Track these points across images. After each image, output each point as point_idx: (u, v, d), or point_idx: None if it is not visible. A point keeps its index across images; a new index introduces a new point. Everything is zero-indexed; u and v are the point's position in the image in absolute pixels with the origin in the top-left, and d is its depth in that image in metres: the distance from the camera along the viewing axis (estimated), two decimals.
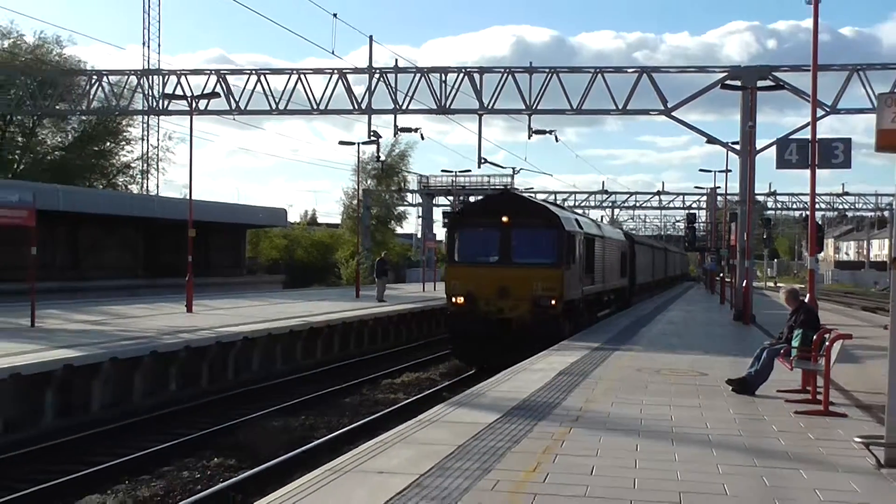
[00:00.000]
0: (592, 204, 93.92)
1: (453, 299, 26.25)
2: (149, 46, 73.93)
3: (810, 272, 22.28)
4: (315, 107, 38.85)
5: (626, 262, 43.01)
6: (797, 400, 14.47)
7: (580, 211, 66.41)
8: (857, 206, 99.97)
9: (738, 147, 36.20)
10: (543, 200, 34.86)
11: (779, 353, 15.21)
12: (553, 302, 25.48)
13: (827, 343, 13.74)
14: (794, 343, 14.77)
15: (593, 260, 31.06)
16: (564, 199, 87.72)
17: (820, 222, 27.58)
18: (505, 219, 25.82)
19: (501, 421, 12.32)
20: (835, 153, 21.22)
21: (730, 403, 14.41)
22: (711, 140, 40.31)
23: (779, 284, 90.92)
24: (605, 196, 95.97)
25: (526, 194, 40.97)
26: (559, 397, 14.47)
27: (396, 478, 9.06)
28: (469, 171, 77.23)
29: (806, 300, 16.74)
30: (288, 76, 39.36)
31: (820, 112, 31.59)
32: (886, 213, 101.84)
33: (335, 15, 36.40)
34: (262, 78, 39.11)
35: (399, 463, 9.76)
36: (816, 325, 14.97)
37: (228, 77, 39.72)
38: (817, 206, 25.52)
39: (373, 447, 10.62)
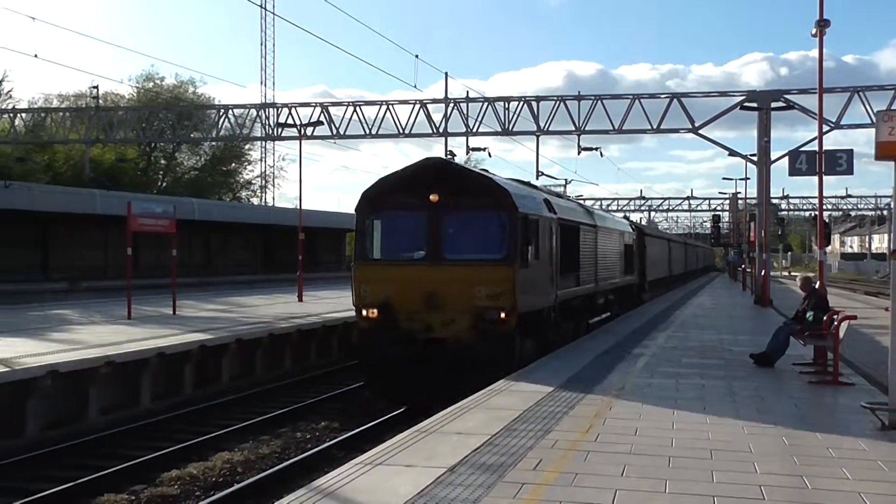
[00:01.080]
0: (632, 208, 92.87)
1: (364, 312, 15.52)
2: (265, 84, 74.98)
3: (820, 263, 21.88)
4: (401, 131, 38.92)
5: (634, 256, 31.17)
6: (810, 372, 14.15)
7: (620, 215, 64.17)
8: (859, 206, 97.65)
9: (755, 158, 35.51)
10: (485, 171, 19.16)
11: (794, 332, 15.02)
12: (502, 315, 14.84)
13: (836, 323, 13.48)
14: (808, 323, 14.59)
15: (577, 254, 20.25)
16: (608, 205, 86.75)
17: (827, 220, 26.94)
18: (434, 197, 15.28)
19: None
20: (839, 162, 20.92)
21: (752, 374, 14.14)
22: (733, 153, 39.70)
23: (793, 274, 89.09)
24: (642, 202, 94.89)
25: (470, 165, 22.85)
26: None
27: (472, 438, 9.03)
28: (529, 182, 76.67)
29: (817, 286, 16.42)
30: (378, 106, 39.50)
31: (826, 128, 30.89)
32: (885, 212, 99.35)
33: (417, 56, 36.46)
34: (357, 108, 39.30)
35: (474, 425, 9.73)
36: (826, 308, 14.74)
37: (330, 108, 39.98)
38: (824, 206, 25.11)
39: (452, 412, 10.60)
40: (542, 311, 16.93)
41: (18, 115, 46.64)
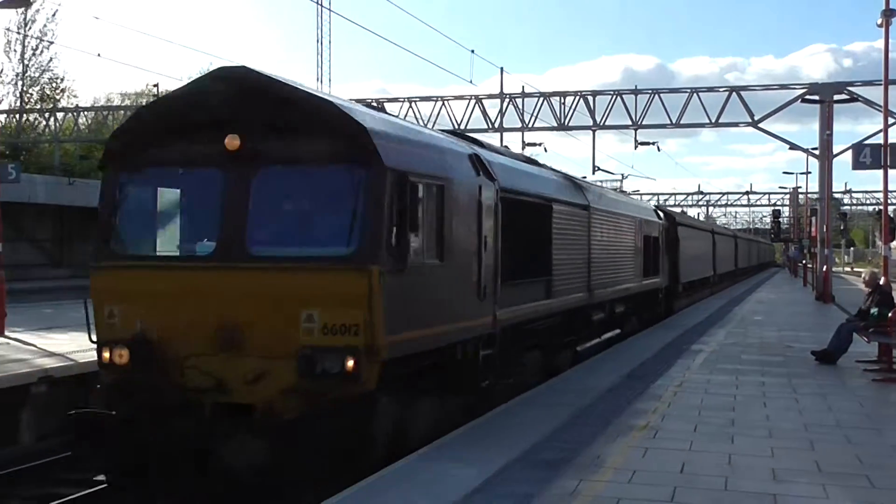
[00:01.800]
0: (690, 203, 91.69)
1: (106, 354, 8.36)
2: (321, 81, 75.47)
3: (884, 259, 21.42)
4: (456, 127, 38.95)
5: (661, 251, 24.07)
6: (874, 369, 13.84)
7: (678, 210, 62.90)
8: None
9: (817, 152, 34.85)
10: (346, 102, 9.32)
11: (857, 329, 14.74)
12: (349, 362, 7.65)
13: None
14: (872, 319, 14.31)
15: (546, 248, 13.16)
16: (665, 200, 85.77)
17: (892, 215, 26.37)
18: (232, 141, 8.12)
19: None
20: None
21: (814, 372, 13.90)
22: (794, 147, 38.81)
23: (856, 270, 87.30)
24: (700, 196, 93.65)
25: (294, 83, 8.61)
26: None
27: None
28: (585, 177, 76.27)
29: (881, 282, 16.09)
30: (434, 102, 39.56)
31: (892, 120, 30.19)
32: None
33: (473, 51, 36.34)
34: (413, 104, 39.42)
35: None
36: (891, 304, 14.41)
37: (386, 104, 40.14)
38: (889, 201, 24.43)
39: (514, 405, 10.57)
40: (459, 348, 9.69)
41: (81, 113, 47.67)
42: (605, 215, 17.09)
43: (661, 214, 26.37)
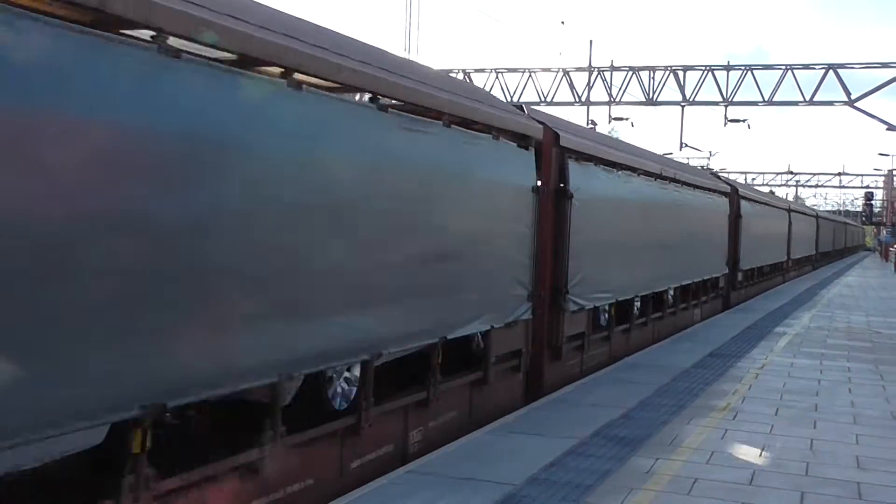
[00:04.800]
0: (779, 183, 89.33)
1: None
2: (408, 50, 75.63)
3: None
4: (542, 99, 38.54)
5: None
6: None
7: (766, 189, 60.63)
8: None
9: None
10: None
11: None
12: None
13: None
14: None
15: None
16: (753, 179, 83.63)
17: None
18: None
19: None
20: None
21: None
22: (892, 128, 37.49)
23: None
24: (790, 176, 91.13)
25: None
26: None
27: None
28: (671, 153, 74.90)
29: None
30: (521, 74, 39.18)
31: None
32: None
33: (563, 22, 35.93)
34: (499, 76, 39.12)
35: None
36: None
37: (472, 75, 39.96)
38: None
39: (591, 381, 10.50)
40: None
41: None
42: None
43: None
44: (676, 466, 6.88)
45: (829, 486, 6.55)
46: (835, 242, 63.20)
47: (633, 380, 10.60)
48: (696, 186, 17.29)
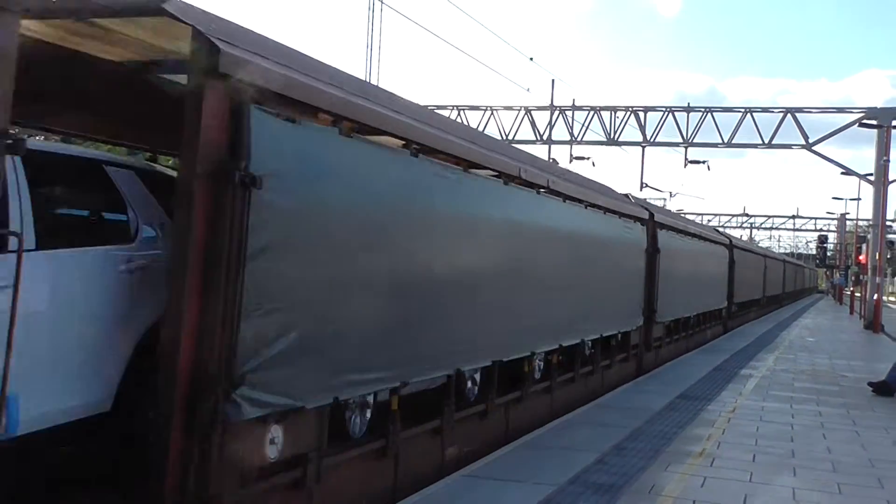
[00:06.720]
0: (734, 225, 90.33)
1: None
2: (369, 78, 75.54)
3: None
4: (504, 137, 38.58)
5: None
6: None
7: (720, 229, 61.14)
8: None
9: (872, 178, 34.01)
10: None
11: None
12: None
13: None
14: None
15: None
16: (709, 220, 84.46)
17: None
18: None
19: None
20: None
21: (872, 403, 13.31)
22: (848, 172, 37.93)
23: None
24: (745, 218, 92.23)
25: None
26: None
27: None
28: (629, 194, 75.34)
29: None
30: (483, 111, 39.24)
31: None
32: None
33: (531, 59, 35.97)
34: (461, 113, 39.11)
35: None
36: None
37: (435, 111, 39.90)
38: None
39: (563, 423, 10.18)
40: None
41: None
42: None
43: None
44: None
45: None
46: (796, 283, 61.30)
47: (608, 422, 10.28)
48: (589, 204, 12.20)
